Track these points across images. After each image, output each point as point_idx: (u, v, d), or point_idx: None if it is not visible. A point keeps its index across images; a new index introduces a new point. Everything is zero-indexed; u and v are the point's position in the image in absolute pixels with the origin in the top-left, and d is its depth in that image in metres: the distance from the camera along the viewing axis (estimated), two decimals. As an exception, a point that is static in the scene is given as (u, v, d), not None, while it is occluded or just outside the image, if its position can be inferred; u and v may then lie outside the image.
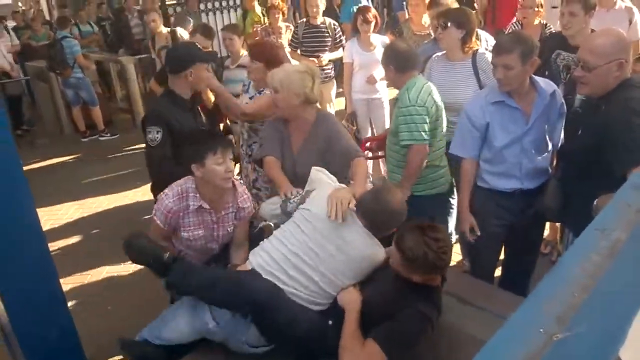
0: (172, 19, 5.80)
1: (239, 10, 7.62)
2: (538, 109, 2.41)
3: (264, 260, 2.08)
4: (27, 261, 2.17)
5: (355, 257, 2.06)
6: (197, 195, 2.28)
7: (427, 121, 2.66)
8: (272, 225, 2.41)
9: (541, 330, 0.77)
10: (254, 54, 3.14)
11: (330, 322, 1.97)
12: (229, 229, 2.42)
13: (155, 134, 2.62)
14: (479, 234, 2.56)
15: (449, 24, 3.02)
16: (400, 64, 2.75)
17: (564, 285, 0.87)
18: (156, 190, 2.78)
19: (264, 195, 3.19)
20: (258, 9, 6.57)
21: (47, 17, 12.23)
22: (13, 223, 2.10)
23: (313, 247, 2.06)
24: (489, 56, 2.72)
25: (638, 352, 0.72)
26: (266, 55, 3.09)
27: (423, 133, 2.64)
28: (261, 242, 2.21)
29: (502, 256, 2.86)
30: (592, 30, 3.03)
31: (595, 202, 2.08)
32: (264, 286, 1.97)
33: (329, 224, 2.08)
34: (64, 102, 7.34)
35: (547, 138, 2.50)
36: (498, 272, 2.91)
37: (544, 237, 2.97)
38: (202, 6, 7.81)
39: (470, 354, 0.69)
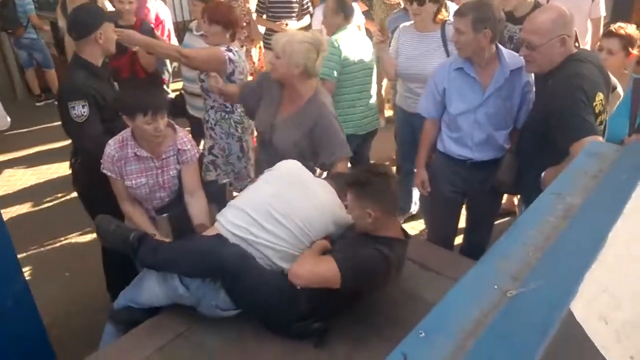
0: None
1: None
2: (497, 83, 2.41)
3: (235, 215, 2.08)
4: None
5: (322, 209, 2.10)
6: (133, 142, 2.31)
7: (337, 62, 3.13)
8: (166, 217, 2.51)
9: (495, 286, 0.78)
10: (212, 16, 3.01)
11: (298, 287, 1.98)
12: (171, 173, 2.42)
13: (81, 109, 2.46)
14: (429, 189, 2.65)
15: (426, 1, 2.97)
16: (338, 9, 3.17)
17: (519, 246, 0.89)
18: (86, 170, 2.68)
19: (220, 162, 3.16)
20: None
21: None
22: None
23: (283, 195, 2.07)
24: None
25: (588, 305, 0.75)
26: (223, 17, 3.00)
27: (331, 70, 3.09)
28: (228, 202, 2.21)
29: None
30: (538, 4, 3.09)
31: (543, 175, 2.14)
32: (232, 253, 1.97)
33: (295, 176, 2.17)
34: (17, 65, 6.97)
35: (507, 115, 2.49)
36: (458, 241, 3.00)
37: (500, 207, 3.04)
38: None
39: None
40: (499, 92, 2.43)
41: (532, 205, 1.03)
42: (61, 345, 2.53)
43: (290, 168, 2.23)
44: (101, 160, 2.34)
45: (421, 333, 0.71)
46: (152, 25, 4.10)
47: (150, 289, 2.09)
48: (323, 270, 1.88)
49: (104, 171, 2.35)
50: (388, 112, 5.57)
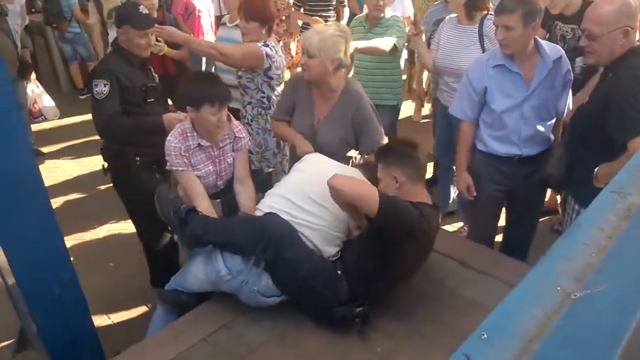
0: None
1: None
2: (540, 75, 2.37)
3: (274, 201, 2.17)
4: (30, 215, 2.15)
5: None
6: (195, 134, 2.36)
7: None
8: (219, 202, 2.52)
9: (558, 288, 0.76)
10: (249, 13, 2.99)
11: (339, 272, 2.01)
12: (229, 161, 2.50)
13: (103, 87, 2.57)
14: (474, 194, 2.57)
15: None
16: None
17: (580, 246, 0.86)
18: (106, 150, 2.80)
19: (255, 160, 3.18)
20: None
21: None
22: (14, 175, 2.06)
23: (317, 177, 2.12)
24: None
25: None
26: (260, 13, 2.98)
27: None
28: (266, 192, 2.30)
29: (502, 222, 2.87)
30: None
31: (596, 170, 2.07)
32: (278, 222, 2.04)
33: (328, 163, 2.25)
34: (62, 58, 7.19)
35: (550, 105, 2.46)
36: (498, 239, 2.94)
37: (544, 204, 2.98)
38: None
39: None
40: (544, 83, 2.38)
41: (591, 204, 1.00)
42: (105, 333, 2.60)
43: (319, 159, 2.34)
44: (167, 159, 2.37)
45: (483, 334, 0.69)
46: (175, 17, 4.24)
47: (195, 273, 2.16)
48: (364, 189, 1.90)
49: (172, 168, 2.37)
50: (427, 107, 5.50)
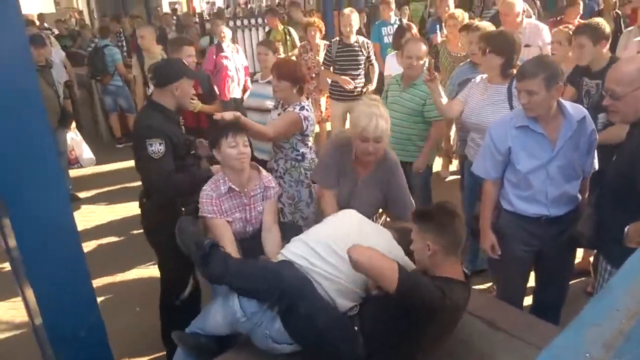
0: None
1: (266, 28, 7.81)
2: (565, 135, 2.36)
3: (295, 246, 2.19)
4: (60, 257, 2.19)
5: (383, 248, 2.06)
6: (226, 179, 2.51)
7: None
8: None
9: (587, 355, 0.74)
10: (281, 73, 3.13)
11: (356, 328, 1.98)
12: (259, 209, 2.60)
13: (158, 146, 2.62)
14: (499, 252, 2.53)
15: (488, 50, 2.99)
16: None
17: (611, 311, 0.84)
18: (150, 202, 2.83)
19: (287, 212, 3.21)
20: (280, 27, 6.77)
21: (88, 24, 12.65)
22: (47, 218, 2.12)
23: (343, 232, 2.15)
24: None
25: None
26: (292, 74, 3.12)
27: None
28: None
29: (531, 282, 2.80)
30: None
31: (626, 229, 2.03)
32: (293, 274, 2.06)
33: (360, 223, 2.27)
34: (102, 109, 7.55)
35: (576, 165, 2.44)
36: (527, 300, 2.86)
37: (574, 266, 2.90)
38: (231, 23, 8.12)
39: None
40: (568, 143, 2.38)
41: (622, 267, 0.98)
42: (128, 379, 2.60)
43: (353, 214, 2.36)
44: (200, 207, 2.50)
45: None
46: (208, 74, 4.47)
47: (214, 315, 2.20)
48: (385, 264, 1.87)
49: (204, 215, 2.48)
50: (454, 163, 5.51)
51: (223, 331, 2.20)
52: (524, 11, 4.36)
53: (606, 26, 3.18)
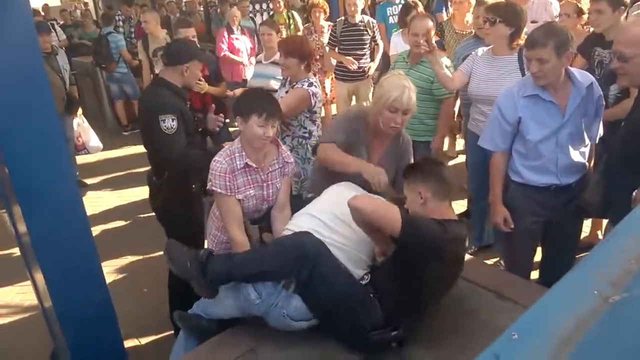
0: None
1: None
2: (574, 102, 2.35)
3: (302, 220, 2.16)
4: (69, 238, 2.21)
5: None
6: (243, 153, 2.31)
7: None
8: (257, 228, 2.51)
9: (595, 292, 0.73)
10: (288, 50, 3.12)
11: (371, 295, 1.97)
12: (277, 186, 2.44)
13: (171, 122, 2.64)
14: (512, 226, 2.51)
15: (497, 20, 2.95)
16: None
17: (617, 253, 0.82)
18: (167, 184, 2.82)
19: (293, 189, 3.19)
20: (284, 11, 6.78)
21: (94, 17, 12.63)
22: (56, 199, 2.13)
23: (345, 202, 2.04)
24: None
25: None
26: (299, 50, 3.10)
27: None
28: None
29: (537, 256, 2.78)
30: None
31: (634, 194, 2.01)
32: (313, 239, 1.97)
33: (355, 190, 2.23)
34: (108, 97, 7.55)
35: (585, 132, 2.43)
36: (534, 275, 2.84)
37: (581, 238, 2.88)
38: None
39: None
40: (577, 110, 2.36)
41: (628, 215, 0.96)
42: (134, 356, 2.61)
43: (347, 184, 2.34)
44: (210, 178, 2.30)
45: (514, 335, 0.67)
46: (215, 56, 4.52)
47: (222, 298, 2.10)
48: (386, 208, 1.88)
49: (213, 188, 2.30)
50: (460, 142, 5.46)
51: (232, 314, 2.12)
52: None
53: None
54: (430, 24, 3.46)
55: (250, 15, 8.07)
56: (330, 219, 2.12)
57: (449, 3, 5.32)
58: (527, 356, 0.64)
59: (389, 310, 1.94)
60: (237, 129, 2.36)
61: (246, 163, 2.30)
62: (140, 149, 6.53)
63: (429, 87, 3.39)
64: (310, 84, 3.06)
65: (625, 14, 3.17)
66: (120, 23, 7.64)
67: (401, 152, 2.67)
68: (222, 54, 5.81)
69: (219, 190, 2.28)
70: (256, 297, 1.98)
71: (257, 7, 8.39)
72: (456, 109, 5.05)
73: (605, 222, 3.47)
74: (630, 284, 0.74)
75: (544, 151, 2.40)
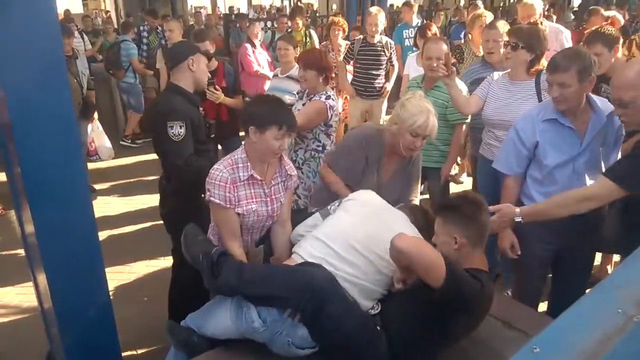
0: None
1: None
2: (594, 129, 2.31)
3: (313, 246, 2.04)
4: (75, 240, 2.18)
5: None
6: (248, 164, 2.18)
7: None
8: (262, 249, 2.40)
9: (619, 310, 0.70)
10: (307, 63, 3.15)
11: (378, 327, 1.90)
12: (282, 200, 2.32)
13: (179, 129, 2.60)
14: (519, 252, 2.44)
15: (520, 46, 2.92)
16: None
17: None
18: (175, 191, 2.78)
19: (301, 204, 3.17)
20: (302, 29, 6.86)
21: (115, 26, 12.86)
22: (66, 202, 2.10)
23: (362, 225, 2.02)
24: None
25: None
26: (317, 62, 3.13)
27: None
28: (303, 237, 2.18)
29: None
30: None
31: None
32: (324, 273, 1.89)
33: (376, 208, 2.12)
34: (122, 104, 7.58)
35: (602, 161, 2.39)
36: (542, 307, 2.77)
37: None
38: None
39: None
40: (596, 138, 2.33)
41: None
42: (130, 365, 2.56)
43: (368, 198, 2.22)
44: (208, 188, 2.17)
45: (535, 348, 0.64)
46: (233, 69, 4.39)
47: (221, 319, 2.00)
48: (432, 253, 1.73)
49: (210, 199, 2.16)
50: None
51: (228, 335, 2.01)
52: (542, 14, 4.30)
53: (616, 31, 3.15)
54: (445, 47, 3.41)
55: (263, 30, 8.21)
56: (344, 248, 1.99)
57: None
58: (548, 372, 0.61)
59: (397, 346, 1.87)
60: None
61: (251, 175, 2.18)
62: (151, 156, 6.57)
63: (443, 112, 3.33)
64: (328, 97, 3.06)
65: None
66: (146, 34, 7.54)
67: (411, 169, 2.67)
68: (255, 69, 5.90)
69: (217, 201, 2.14)
70: (260, 325, 1.89)
71: (262, 24, 8.52)
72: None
73: (616, 257, 3.41)
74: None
75: (559, 178, 2.35)
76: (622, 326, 0.66)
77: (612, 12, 6.10)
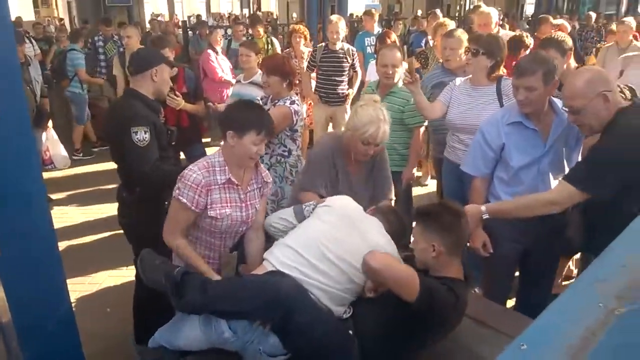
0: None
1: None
2: (556, 131, 2.41)
3: (284, 254, 2.01)
4: (34, 250, 2.10)
5: (375, 246, 2.00)
6: (225, 168, 2.15)
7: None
8: (235, 255, 2.38)
9: (600, 304, 0.72)
10: (270, 68, 3.13)
11: (350, 332, 1.91)
12: (257, 207, 2.31)
13: (144, 134, 2.54)
14: (491, 251, 2.51)
15: (480, 52, 3.01)
16: None
17: (618, 268, 0.82)
18: (139, 200, 2.71)
19: (269, 210, 3.12)
20: (263, 36, 6.85)
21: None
22: (22, 210, 2.03)
23: (336, 234, 2.02)
24: None
25: None
26: (280, 68, 3.12)
27: None
28: (275, 241, 2.16)
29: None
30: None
31: None
32: (290, 283, 1.88)
33: (350, 216, 2.11)
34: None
35: (565, 161, 2.49)
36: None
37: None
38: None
39: None
40: (559, 139, 2.42)
41: (625, 230, 0.97)
42: (95, 380, 2.47)
43: (343, 204, 2.20)
44: (178, 185, 2.14)
45: (522, 345, 0.65)
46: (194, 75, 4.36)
47: (190, 332, 1.97)
48: (405, 271, 1.78)
49: (178, 197, 2.12)
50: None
51: (199, 347, 1.97)
52: (497, 23, 4.45)
53: (568, 38, 3.30)
54: (399, 54, 3.47)
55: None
56: (316, 257, 1.98)
57: (429, 37, 5.48)
58: (538, 367, 0.62)
59: (370, 350, 1.88)
60: (217, 145, 2.28)
61: (229, 179, 2.16)
62: (108, 165, 6.37)
63: (400, 116, 3.39)
64: (293, 102, 3.06)
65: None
66: (101, 44, 7.18)
67: (378, 164, 2.71)
68: (219, 76, 5.83)
69: (184, 201, 2.10)
70: (231, 335, 1.88)
71: (223, 32, 8.48)
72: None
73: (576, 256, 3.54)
74: (635, 296, 0.73)
75: (525, 178, 2.43)
76: (605, 320, 0.68)
77: (560, 21, 6.39)
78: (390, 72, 3.38)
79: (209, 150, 4.51)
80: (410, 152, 3.52)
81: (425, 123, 3.51)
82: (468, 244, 2.83)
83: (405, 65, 4.23)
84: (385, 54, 3.43)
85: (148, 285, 2.04)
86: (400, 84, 3.42)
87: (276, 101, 3.13)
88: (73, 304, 3.25)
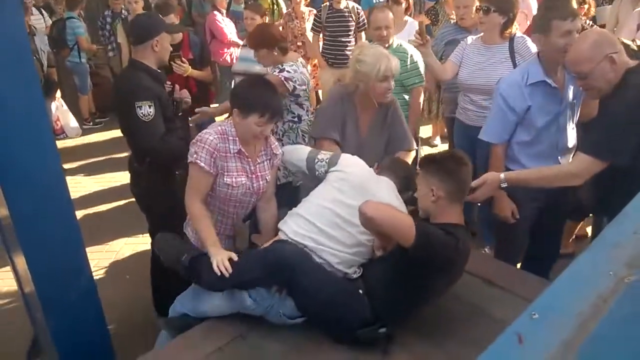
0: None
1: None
2: (568, 86, 2.41)
3: (298, 224, 2.10)
4: (52, 221, 2.14)
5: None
6: (237, 139, 2.18)
7: None
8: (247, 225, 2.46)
9: (611, 273, 0.73)
10: (253, 44, 3.10)
11: (360, 291, 1.96)
12: (267, 178, 2.31)
13: (148, 109, 2.51)
14: (518, 217, 2.51)
15: (492, 9, 2.93)
16: None
17: (630, 235, 0.83)
18: (148, 172, 2.73)
19: (281, 176, 3.14)
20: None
21: None
22: (39, 181, 2.07)
23: (346, 200, 2.07)
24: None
25: None
26: (263, 39, 3.06)
27: None
28: (289, 211, 2.21)
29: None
30: None
31: None
32: (292, 249, 1.98)
33: (362, 184, 2.15)
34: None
35: (576, 112, 2.53)
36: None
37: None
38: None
39: (496, 335, 0.66)
40: (573, 93, 2.43)
41: (636, 198, 0.97)
42: (119, 344, 2.56)
43: (354, 169, 2.25)
44: (194, 150, 2.13)
45: (534, 314, 0.67)
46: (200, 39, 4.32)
47: (213, 300, 2.07)
48: (399, 220, 1.79)
49: (195, 160, 2.12)
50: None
51: (223, 313, 2.07)
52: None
53: None
54: (391, 15, 3.38)
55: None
56: (327, 224, 2.06)
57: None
58: (549, 334, 0.64)
59: (380, 307, 1.93)
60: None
61: (240, 149, 2.18)
62: (119, 133, 6.31)
63: (398, 78, 3.23)
64: (282, 70, 2.99)
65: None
66: (109, 20, 6.68)
67: (391, 117, 2.71)
68: (229, 39, 5.73)
69: (202, 165, 2.10)
70: (252, 303, 1.99)
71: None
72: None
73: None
74: (645, 264, 0.74)
75: (545, 137, 2.44)
76: (615, 288, 0.69)
77: None
78: (385, 33, 3.33)
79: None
80: (410, 114, 3.44)
81: (424, 83, 3.45)
82: (479, 204, 2.84)
83: (415, 25, 4.15)
84: (378, 16, 3.36)
85: (166, 266, 2.15)
86: (395, 44, 3.36)
87: (274, 70, 3.07)
88: (93, 273, 3.37)
